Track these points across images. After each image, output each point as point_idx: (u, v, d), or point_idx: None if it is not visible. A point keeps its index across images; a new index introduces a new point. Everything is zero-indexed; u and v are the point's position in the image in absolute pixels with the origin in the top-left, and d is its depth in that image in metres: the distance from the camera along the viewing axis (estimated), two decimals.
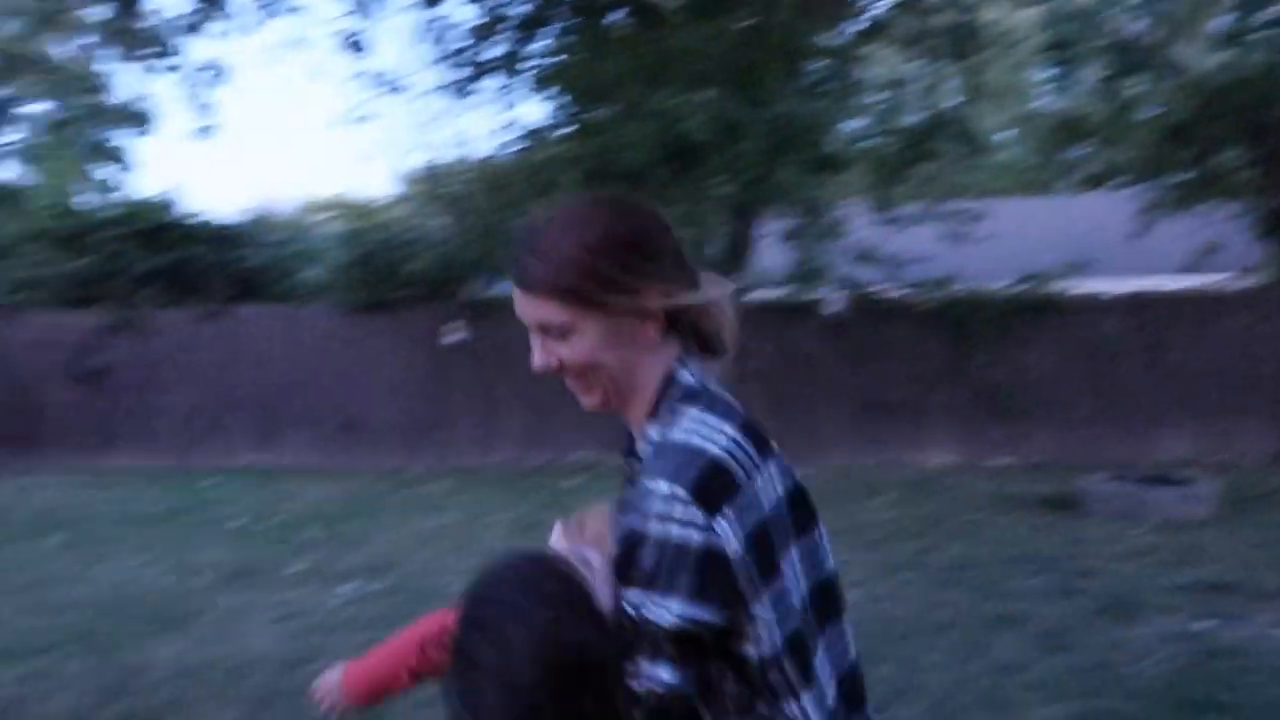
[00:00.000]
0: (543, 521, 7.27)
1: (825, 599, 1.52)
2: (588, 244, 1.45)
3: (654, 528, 1.34)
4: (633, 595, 1.35)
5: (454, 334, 13.74)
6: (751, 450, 1.44)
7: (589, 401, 1.56)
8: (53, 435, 14.17)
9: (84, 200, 15.49)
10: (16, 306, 14.22)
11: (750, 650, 1.39)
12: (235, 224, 15.64)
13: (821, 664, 1.47)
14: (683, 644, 1.34)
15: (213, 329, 14.06)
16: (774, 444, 1.51)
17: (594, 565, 1.41)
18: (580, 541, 1.48)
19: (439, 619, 1.61)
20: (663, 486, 1.35)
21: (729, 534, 1.35)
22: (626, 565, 1.37)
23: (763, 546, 1.39)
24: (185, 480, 12.43)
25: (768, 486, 1.44)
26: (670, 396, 1.50)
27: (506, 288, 11.69)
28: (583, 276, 1.44)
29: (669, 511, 1.34)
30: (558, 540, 1.49)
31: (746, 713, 1.42)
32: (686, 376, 1.51)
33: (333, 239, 16.41)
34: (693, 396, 1.49)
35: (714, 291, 1.55)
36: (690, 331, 1.55)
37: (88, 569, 7.77)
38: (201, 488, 11.88)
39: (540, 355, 1.51)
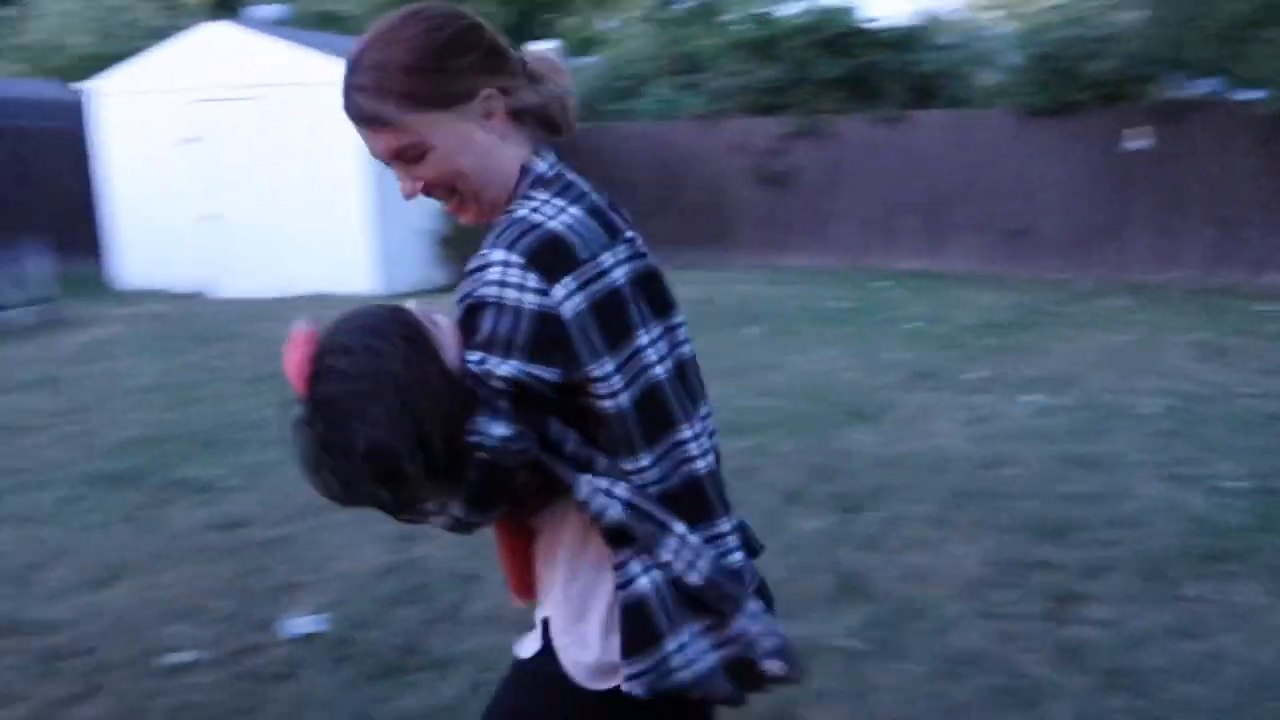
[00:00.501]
0: (1235, 348, 6.78)
1: (686, 380, 1.59)
2: (403, 63, 1.46)
3: (491, 292, 1.40)
4: (473, 356, 1.41)
5: (1138, 139, 12.88)
6: (597, 228, 1.49)
7: (466, 217, 1.58)
8: (740, 234, 15.59)
9: (774, 11, 16.36)
10: (715, 115, 15.63)
11: (592, 406, 1.46)
12: (911, 28, 15.71)
13: (683, 434, 1.54)
14: (518, 401, 1.41)
15: (889, 134, 14.45)
16: (628, 231, 1.57)
17: (442, 326, 1.43)
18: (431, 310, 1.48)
19: None
20: (499, 255, 1.41)
21: (565, 300, 1.41)
22: (467, 329, 1.43)
23: (612, 313, 1.46)
24: (857, 281, 13.13)
25: (618, 263, 1.49)
26: (524, 185, 1.53)
27: (1201, 88, 10.61)
28: (409, 95, 1.46)
29: (504, 277, 1.40)
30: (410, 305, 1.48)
31: (587, 468, 1.48)
32: (540, 165, 1.56)
33: (1008, 40, 15.94)
34: (544, 182, 1.53)
35: (542, 66, 1.59)
36: (536, 118, 1.59)
37: (784, 357, 8.61)
38: (873, 289, 12.50)
39: (404, 183, 1.54)
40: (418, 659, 3.61)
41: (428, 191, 1.55)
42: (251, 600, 4.11)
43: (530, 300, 1.40)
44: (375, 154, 1.53)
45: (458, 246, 14.23)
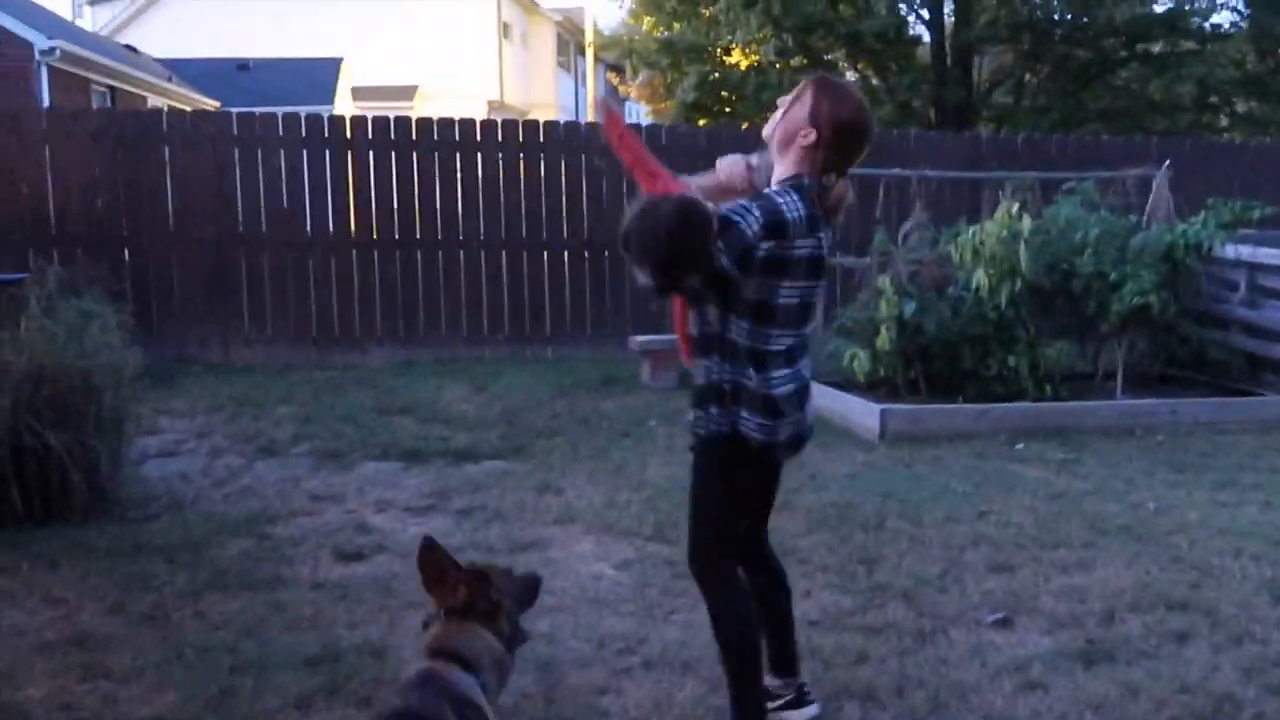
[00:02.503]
0: None
1: (801, 314, 3.00)
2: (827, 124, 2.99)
3: (736, 218, 2.85)
4: (717, 243, 2.81)
5: None
6: (806, 226, 2.90)
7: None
8: None
9: None
10: None
11: (744, 296, 2.93)
12: None
13: (780, 333, 2.98)
14: (716, 278, 2.88)
15: None
16: (822, 235, 2.97)
17: (711, 210, 2.83)
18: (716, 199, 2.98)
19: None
20: (754, 206, 2.87)
21: (762, 247, 2.85)
22: (721, 224, 2.85)
23: (776, 265, 2.89)
24: None
25: (802, 247, 2.91)
26: (788, 183, 2.96)
27: None
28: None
29: (746, 217, 2.84)
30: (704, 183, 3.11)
31: (729, 312, 2.97)
32: (805, 181, 2.95)
33: None
34: (799, 189, 2.93)
35: (837, 185, 3.03)
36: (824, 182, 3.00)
37: None
38: None
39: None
40: None
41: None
42: None
43: (749, 236, 2.85)
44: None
45: None
